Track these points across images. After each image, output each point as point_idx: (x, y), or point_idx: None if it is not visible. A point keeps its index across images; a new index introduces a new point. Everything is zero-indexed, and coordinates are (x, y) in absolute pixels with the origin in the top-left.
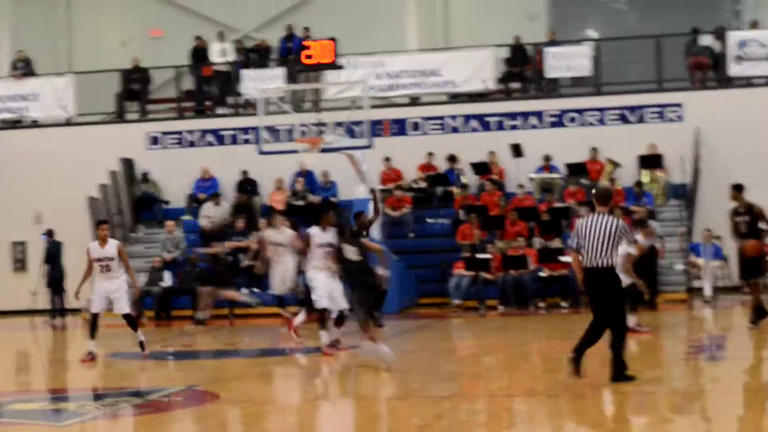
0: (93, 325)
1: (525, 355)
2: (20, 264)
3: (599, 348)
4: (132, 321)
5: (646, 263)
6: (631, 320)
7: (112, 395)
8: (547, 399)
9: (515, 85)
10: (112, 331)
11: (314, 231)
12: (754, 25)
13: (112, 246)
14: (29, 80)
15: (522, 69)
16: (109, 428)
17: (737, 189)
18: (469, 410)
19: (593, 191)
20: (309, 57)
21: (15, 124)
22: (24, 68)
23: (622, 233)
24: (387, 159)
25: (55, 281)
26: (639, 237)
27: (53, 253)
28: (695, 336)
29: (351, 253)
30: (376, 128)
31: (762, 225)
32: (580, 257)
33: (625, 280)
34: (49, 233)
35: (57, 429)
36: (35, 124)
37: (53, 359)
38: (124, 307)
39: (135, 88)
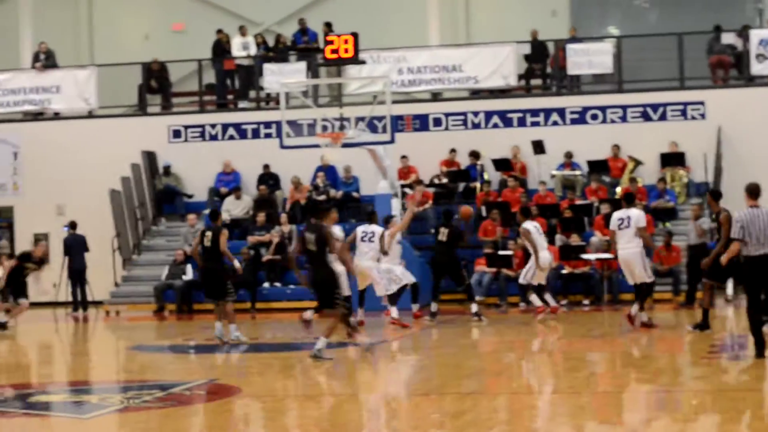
0: None
1: (546, 353)
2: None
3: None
4: None
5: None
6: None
7: (135, 388)
8: (568, 396)
9: (536, 81)
10: (134, 324)
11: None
12: None
13: None
14: (51, 72)
15: (542, 65)
16: (131, 421)
17: (712, 196)
18: (490, 407)
19: (745, 186)
20: (331, 51)
21: (37, 116)
22: (46, 60)
23: None
24: (404, 157)
25: (77, 273)
26: None
27: (75, 246)
28: (717, 336)
29: (311, 243)
30: (398, 123)
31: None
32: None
33: None
34: (72, 225)
35: (80, 421)
36: (57, 116)
37: (75, 351)
38: None
39: (156, 84)
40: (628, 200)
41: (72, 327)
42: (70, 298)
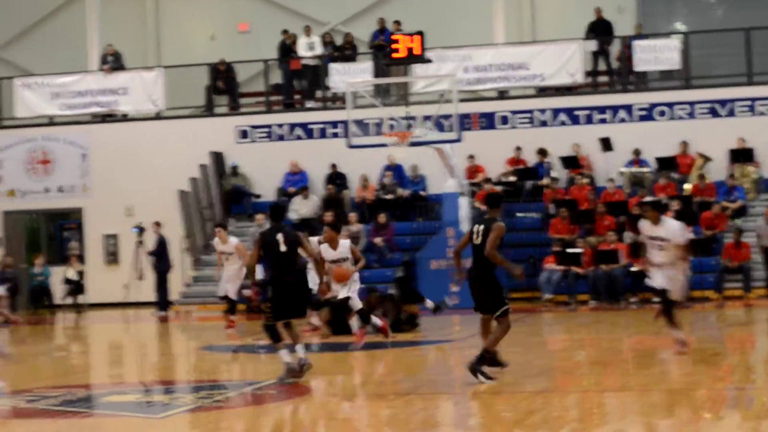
0: None
1: (616, 351)
2: (112, 257)
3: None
4: None
5: None
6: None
7: (206, 388)
8: (639, 395)
9: (603, 78)
10: (204, 324)
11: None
12: None
13: None
14: (119, 74)
15: (609, 62)
16: (203, 421)
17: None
18: (561, 405)
19: None
20: (397, 50)
21: (105, 118)
22: (114, 62)
23: None
24: (471, 156)
25: (163, 274)
26: None
27: (162, 246)
28: None
29: (282, 244)
30: (465, 122)
31: None
32: None
33: None
34: (140, 228)
35: (152, 421)
36: (125, 118)
37: (147, 351)
38: None
39: (223, 85)
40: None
41: (144, 327)
42: (155, 299)
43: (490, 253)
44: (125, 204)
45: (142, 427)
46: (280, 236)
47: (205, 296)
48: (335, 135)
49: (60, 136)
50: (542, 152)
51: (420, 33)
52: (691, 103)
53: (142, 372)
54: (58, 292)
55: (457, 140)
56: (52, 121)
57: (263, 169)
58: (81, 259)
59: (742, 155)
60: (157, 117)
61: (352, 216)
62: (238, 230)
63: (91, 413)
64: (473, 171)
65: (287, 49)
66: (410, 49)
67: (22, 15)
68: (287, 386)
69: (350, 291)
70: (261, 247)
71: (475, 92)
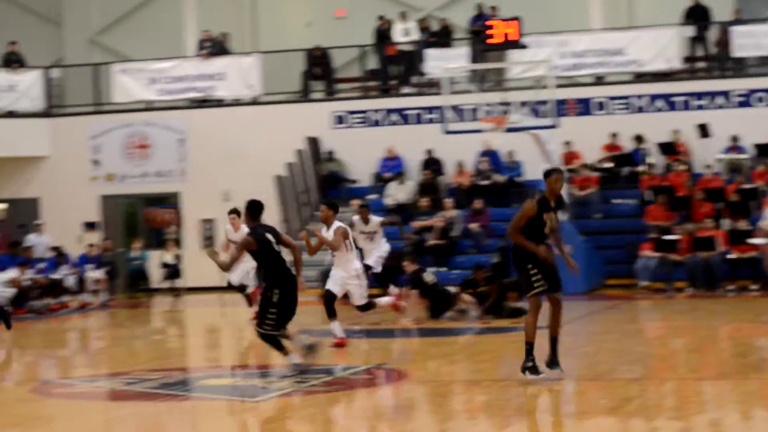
0: None
1: (714, 338)
2: (209, 241)
3: None
4: None
5: None
6: None
7: (300, 372)
8: (737, 382)
9: (700, 64)
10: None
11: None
12: None
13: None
14: (216, 60)
15: (706, 48)
16: (299, 405)
17: None
18: (657, 393)
19: None
20: (494, 36)
21: (202, 103)
22: (210, 48)
23: None
24: (567, 143)
25: None
26: None
27: None
28: None
29: (274, 244)
30: (561, 108)
31: None
32: None
33: None
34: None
35: (248, 405)
36: (222, 103)
37: (243, 335)
38: None
39: (319, 70)
40: None
41: (241, 311)
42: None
43: (508, 233)
44: (222, 188)
45: (239, 410)
46: (269, 235)
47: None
48: (431, 120)
49: (158, 121)
50: (639, 138)
51: (517, 18)
52: None
53: (239, 356)
54: (156, 276)
55: (554, 126)
56: (150, 107)
57: (359, 154)
58: (178, 243)
59: None
60: (254, 102)
61: (448, 202)
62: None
63: (188, 396)
64: (569, 157)
65: (383, 35)
66: (507, 35)
67: (120, 1)
68: (382, 371)
69: (372, 260)
70: (247, 248)
71: (571, 78)
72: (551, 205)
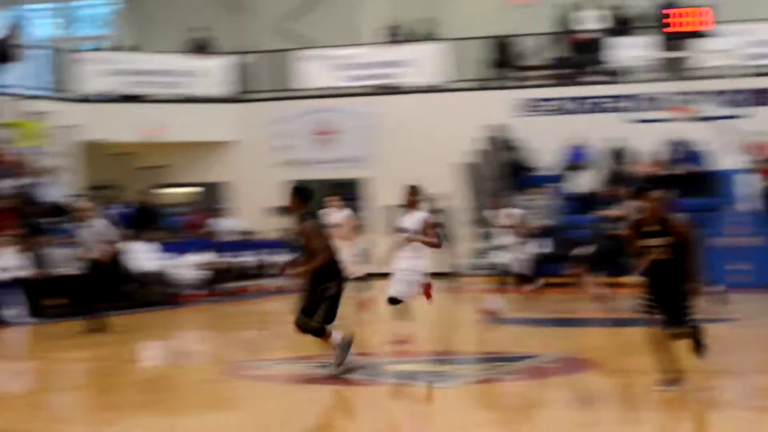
0: None
1: None
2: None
3: None
4: None
5: None
6: None
7: (489, 360)
8: None
9: None
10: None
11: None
12: None
13: None
14: (400, 47)
15: None
16: (484, 392)
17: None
18: None
19: None
20: (682, 24)
21: (389, 90)
22: (395, 35)
23: None
24: (761, 133)
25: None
26: None
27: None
28: None
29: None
30: (752, 98)
31: None
32: None
33: None
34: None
35: (439, 391)
36: (406, 90)
37: (433, 322)
38: None
39: (503, 58)
40: None
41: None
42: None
43: None
44: (406, 175)
45: (430, 396)
46: (322, 224)
47: (489, 268)
48: (617, 109)
49: (343, 108)
50: None
51: (708, 7)
52: None
53: (429, 342)
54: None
55: (743, 116)
56: (335, 93)
57: (543, 142)
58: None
59: None
60: (438, 89)
61: (624, 192)
62: (519, 203)
63: (377, 381)
64: (762, 148)
65: (568, 23)
66: (695, 24)
67: None
68: (568, 360)
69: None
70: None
71: (761, 67)
72: None
